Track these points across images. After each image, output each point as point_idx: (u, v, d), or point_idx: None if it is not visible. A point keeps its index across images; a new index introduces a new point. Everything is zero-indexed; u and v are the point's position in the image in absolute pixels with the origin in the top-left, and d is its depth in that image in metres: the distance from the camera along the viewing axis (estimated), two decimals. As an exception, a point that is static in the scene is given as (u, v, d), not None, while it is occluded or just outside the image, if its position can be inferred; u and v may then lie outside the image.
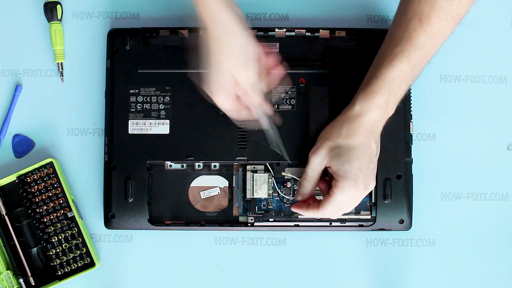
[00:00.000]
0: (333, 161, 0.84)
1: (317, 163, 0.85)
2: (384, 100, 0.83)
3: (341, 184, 0.83)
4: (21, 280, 0.92)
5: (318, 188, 0.88)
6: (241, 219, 0.94)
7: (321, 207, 0.85)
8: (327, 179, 0.88)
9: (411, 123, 0.93)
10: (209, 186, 0.94)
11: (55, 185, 0.93)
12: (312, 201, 0.88)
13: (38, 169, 0.93)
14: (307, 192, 0.87)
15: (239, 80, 0.83)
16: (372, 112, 0.83)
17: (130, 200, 0.92)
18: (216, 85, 0.84)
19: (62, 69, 0.96)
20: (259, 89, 0.85)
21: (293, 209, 0.88)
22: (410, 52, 0.82)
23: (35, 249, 0.93)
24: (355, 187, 0.83)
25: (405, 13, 0.83)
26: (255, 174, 0.91)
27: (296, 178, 0.91)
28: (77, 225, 0.93)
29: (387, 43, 0.85)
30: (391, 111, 0.85)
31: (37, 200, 0.92)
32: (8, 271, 0.92)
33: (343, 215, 0.92)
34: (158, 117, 0.93)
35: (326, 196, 0.85)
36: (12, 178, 0.93)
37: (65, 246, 0.92)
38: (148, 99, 0.93)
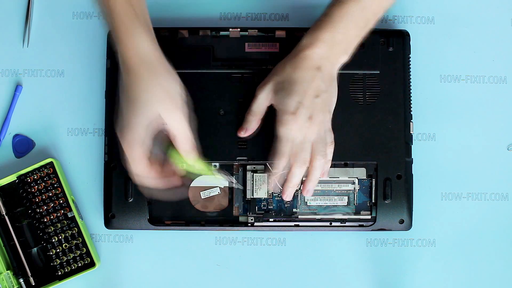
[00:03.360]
0: (275, 95, 0.84)
1: (262, 98, 0.86)
2: (329, 36, 0.83)
3: (281, 118, 0.83)
4: (21, 280, 0.92)
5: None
6: (241, 219, 0.94)
7: (274, 151, 0.85)
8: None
9: (411, 123, 0.93)
10: (209, 186, 0.94)
11: (55, 185, 0.93)
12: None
13: (38, 169, 0.93)
14: (250, 128, 0.88)
15: (170, 123, 0.79)
16: (316, 46, 0.83)
17: (130, 200, 0.92)
18: (134, 132, 0.78)
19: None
20: (190, 135, 0.82)
21: (284, 198, 0.89)
22: None
23: (35, 249, 0.93)
24: (295, 119, 0.82)
25: None
26: (255, 174, 0.91)
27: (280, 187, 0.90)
28: (77, 225, 0.93)
29: None
30: (340, 51, 0.84)
31: (37, 200, 0.92)
32: (8, 271, 0.92)
33: (342, 215, 0.92)
34: (158, 117, 0.92)
35: (274, 138, 0.85)
36: (12, 178, 0.93)
37: (65, 246, 0.92)
38: (148, 99, 0.93)
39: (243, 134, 0.89)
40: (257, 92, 0.87)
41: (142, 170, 0.81)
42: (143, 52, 0.79)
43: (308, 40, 0.84)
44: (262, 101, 0.86)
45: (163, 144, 0.83)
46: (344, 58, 0.85)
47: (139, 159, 0.80)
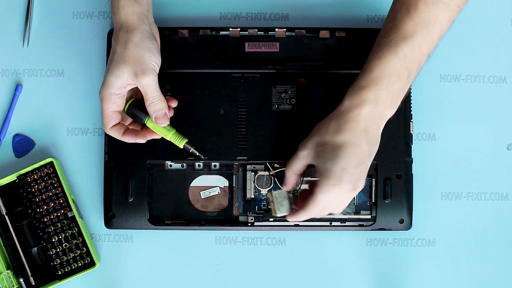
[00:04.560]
0: (317, 158, 0.81)
1: (302, 157, 0.83)
2: (373, 95, 0.79)
3: (322, 184, 0.80)
4: (21, 280, 0.92)
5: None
6: (241, 219, 0.94)
7: (305, 207, 0.83)
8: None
9: (411, 123, 0.93)
10: (209, 186, 0.94)
11: (55, 185, 0.93)
12: (299, 205, 0.86)
13: (38, 169, 0.93)
14: (291, 184, 0.86)
15: (139, 85, 0.82)
16: (361, 107, 0.79)
17: (130, 200, 0.92)
18: (109, 86, 0.83)
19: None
20: (158, 97, 0.84)
21: (289, 219, 0.87)
22: (398, 42, 0.78)
23: (35, 248, 0.93)
24: (339, 187, 0.80)
25: (394, 4, 0.81)
26: (274, 192, 0.89)
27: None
28: (77, 225, 0.93)
29: (378, 36, 0.82)
30: (385, 108, 0.80)
31: (37, 200, 0.92)
32: (8, 271, 0.92)
33: (343, 215, 0.92)
34: (158, 117, 0.92)
35: (310, 195, 0.82)
36: (12, 177, 0.93)
37: (65, 245, 0.92)
38: (148, 99, 0.93)
39: (285, 188, 0.87)
40: (299, 149, 0.83)
41: (108, 124, 0.85)
42: (125, 18, 0.83)
43: (352, 101, 0.80)
44: (303, 160, 0.83)
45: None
46: (390, 113, 0.81)
47: (108, 115, 0.84)
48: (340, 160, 0.79)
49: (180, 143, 0.86)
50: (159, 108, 0.84)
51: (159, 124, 0.85)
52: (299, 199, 0.88)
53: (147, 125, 0.85)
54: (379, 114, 0.80)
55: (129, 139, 0.86)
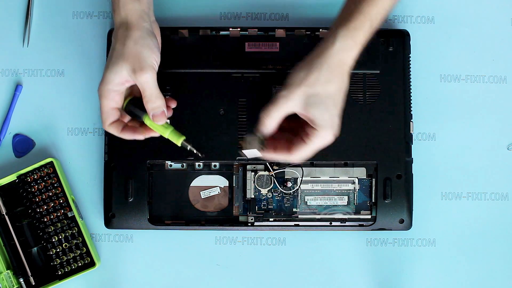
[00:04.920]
0: (310, 109, 0.80)
1: (287, 107, 0.80)
2: (365, 37, 0.80)
3: (320, 134, 0.80)
4: (21, 280, 0.92)
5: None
6: (241, 218, 0.94)
7: (294, 152, 0.82)
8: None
9: (411, 123, 0.93)
10: (209, 186, 0.94)
11: (55, 185, 0.93)
12: (280, 145, 0.84)
13: (38, 168, 0.93)
14: (268, 132, 0.82)
15: (137, 82, 0.82)
16: (352, 50, 0.79)
17: (130, 200, 0.92)
18: (108, 83, 0.82)
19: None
20: (156, 95, 0.83)
21: (261, 154, 0.84)
22: None
23: (35, 248, 0.93)
24: (332, 134, 0.81)
25: None
26: (248, 137, 0.85)
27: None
28: (77, 225, 0.93)
29: None
30: (360, 50, 0.81)
31: (37, 199, 0.92)
32: (8, 271, 0.92)
33: (343, 215, 0.92)
34: (158, 117, 0.92)
35: (300, 141, 0.82)
36: (12, 177, 0.93)
37: (65, 245, 0.92)
38: (148, 99, 0.93)
39: (262, 134, 0.84)
40: (281, 100, 0.80)
41: (107, 120, 0.84)
42: (125, 15, 0.83)
43: (346, 43, 0.79)
44: (286, 110, 0.81)
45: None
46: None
47: (107, 111, 0.84)
48: (334, 109, 0.80)
49: (178, 140, 0.85)
50: (156, 106, 0.83)
51: (156, 122, 0.84)
52: (271, 142, 0.84)
53: (145, 122, 0.85)
54: (357, 56, 0.81)
55: (127, 136, 0.85)
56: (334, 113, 0.80)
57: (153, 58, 0.82)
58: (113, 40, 0.83)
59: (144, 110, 0.84)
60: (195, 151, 0.86)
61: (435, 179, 0.95)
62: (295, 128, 0.83)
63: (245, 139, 0.84)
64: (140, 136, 0.86)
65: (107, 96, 0.83)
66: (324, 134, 0.80)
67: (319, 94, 0.79)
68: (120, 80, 0.82)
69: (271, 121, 0.81)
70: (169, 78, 0.93)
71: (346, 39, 0.79)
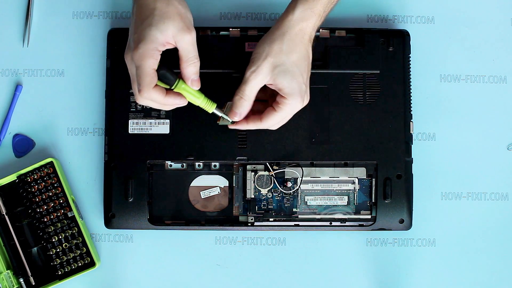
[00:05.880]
0: (278, 79, 0.82)
1: (257, 81, 0.83)
2: (323, 7, 0.83)
3: (290, 102, 0.83)
4: (21, 280, 0.92)
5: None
6: (241, 219, 0.94)
7: (264, 120, 0.85)
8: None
9: (411, 123, 0.93)
10: (209, 186, 0.94)
11: (55, 185, 0.93)
12: (251, 114, 0.86)
13: (38, 168, 0.93)
14: (244, 112, 0.85)
15: (180, 43, 0.80)
16: (310, 20, 0.83)
17: (130, 200, 0.92)
18: (146, 46, 0.78)
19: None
20: (196, 58, 0.81)
21: (230, 127, 0.86)
22: None
23: (35, 248, 0.93)
24: (302, 101, 0.83)
25: None
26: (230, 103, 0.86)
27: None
28: (77, 225, 0.93)
29: None
30: (323, 19, 0.84)
31: (37, 199, 0.92)
32: (8, 271, 0.92)
33: (343, 215, 0.92)
34: (158, 117, 0.93)
35: (270, 109, 0.84)
36: (12, 177, 0.93)
37: (65, 245, 0.92)
38: (148, 99, 0.93)
39: (237, 118, 0.85)
40: (251, 76, 0.82)
41: (151, 83, 0.79)
42: None
43: (305, 14, 0.83)
44: (258, 85, 0.83)
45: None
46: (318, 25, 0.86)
47: (150, 73, 0.79)
48: (301, 76, 0.83)
49: (210, 108, 0.85)
50: (197, 70, 0.81)
51: (194, 87, 0.82)
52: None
53: (176, 89, 0.82)
54: (318, 25, 0.84)
55: (171, 101, 0.82)
56: (301, 81, 0.83)
57: (192, 21, 0.82)
58: (146, 2, 0.80)
59: (175, 76, 0.81)
60: (227, 118, 0.86)
61: (435, 179, 0.95)
62: (264, 98, 0.87)
63: (227, 106, 0.86)
64: (183, 102, 0.83)
65: (152, 55, 0.79)
66: (294, 102, 0.83)
67: (285, 63, 0.82)
68: (164, 39, 0.79)
69: (247, 102, 0.84)
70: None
71: (304, 9, 0.83)
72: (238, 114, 0.85)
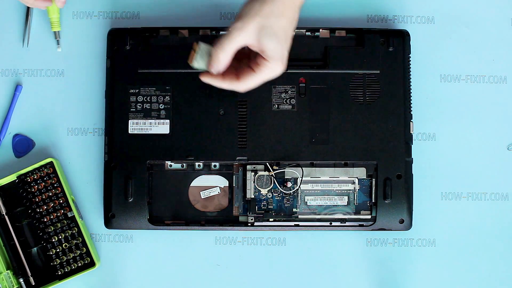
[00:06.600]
0: (264, 41, 0.80)
1: (241, 39, 0.80)
2: None
3: (271, 65, 0.81)
4: (21, 280, 0.92)
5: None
6: (241, 219, 0.94)
7: (241, 81, 0.83)
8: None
9: (411, 123, 0.93)
10: (209, 186, 0.94)
11: (55, 185, 0.93)
12: (228, 72, 0.84)
13: (38, 169, 0.93)
14: (221, 66, 0.82)
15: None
16: None
17: (130, 200, 0.92)
18: None
19: (59, 37, 0.96)
20: None
21: (204, 79, 0.84)
22: None
23: (35, 249, 0.93)
24: (282, 66, 0.82)
25: None
26: (202, 44, 0.83)
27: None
28: (77, 225, 0.93)
29: None
30: None
31: (37, 200, 0.92)
32: (8, 271, 0.92)
33: (343, 215, 0.92)
34: (158, 117, 0.93)
35: (249, 70, 0.83)
36: (12, 178, 0.93)
37: (65, 246, 0.92)
38: (148, 99, 0.93)
39: (213, 71, 0.83)
40: (235, 32, 0.80)
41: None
42: None
43: None
44: (240, 42, 0.81)
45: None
46: None
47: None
48: (285, 42, 0.82)
49: None
50: None
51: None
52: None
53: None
54: None
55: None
56: (285, 46, 0.82)
57: None
58: None
59: None
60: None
61: (435, 179, 0.95)
62: (243, 59, 0.85)
63: (200, 47, 0.83)
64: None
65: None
66: (275, 66, 0.82)
67: (273, 26, 0.81)
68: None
69: (225, 55, 0.82)
70: (169, 78, 0.93)
71: None
72: (215, 68, 0.83)
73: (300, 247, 0.95)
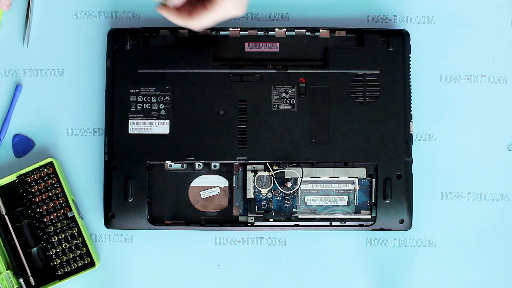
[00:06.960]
0: None
1: None
2: None
3: (225, 3, 0.80)
4: (21, 280, 0.92)
5: None
6: (241, 219, 0.94)
7: (194, 18, 0.82)
8: None
9: (411, 123, 0.93)
10: (209, 186, 0.94)
11: (55, 185, 0.93)
12: (183, 7, 0.83)
13: (38, 169, 0.93)
14: (178, 2, 0.82)
15: None
16: None
17: (130, 200, 0.92)
18: None
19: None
20: None
21: (159, 11, 0.84)
22: None
23: (35, 249, 0.93)
24: (237, 7, 0.81)
25: None
26: None
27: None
28: (77, 225, 0.93)
29: None
30: None
31: (37, 200, 0.92)
32: (8, 271, 0.92)
33: (343, 215, 0.92)
34: (158, 117, 0.93)
35: (201, 7, 0.82)
36: (12, 178, 0.93)
37: (65, 246, 0.92)
38: (148, 99, 0.93)
39: (169, 3, 0.83)
40: None
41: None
42: None
43: None
44: None
45: None
46: None
47: None
48: None
49: None
50: None
51: None
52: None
53: None
54: None
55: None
56: None
57: None
58: None
59: None
60: None
61: (435, 179, 0.95)
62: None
63: None
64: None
65: None
66: (228, 4, 0.80)
67: None
68: None
69: None
70: (169, 78, 0.93)
71: None
72: (170, 0, 0.82)
73: (300, 247, 0.95)
